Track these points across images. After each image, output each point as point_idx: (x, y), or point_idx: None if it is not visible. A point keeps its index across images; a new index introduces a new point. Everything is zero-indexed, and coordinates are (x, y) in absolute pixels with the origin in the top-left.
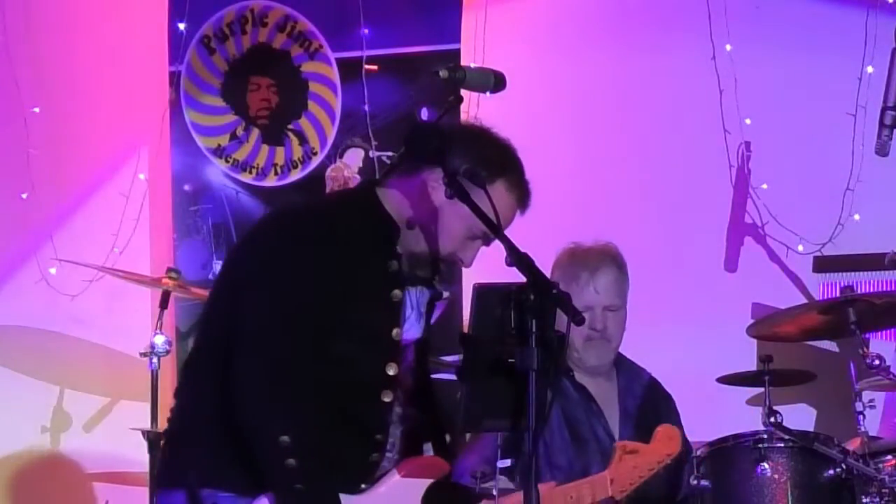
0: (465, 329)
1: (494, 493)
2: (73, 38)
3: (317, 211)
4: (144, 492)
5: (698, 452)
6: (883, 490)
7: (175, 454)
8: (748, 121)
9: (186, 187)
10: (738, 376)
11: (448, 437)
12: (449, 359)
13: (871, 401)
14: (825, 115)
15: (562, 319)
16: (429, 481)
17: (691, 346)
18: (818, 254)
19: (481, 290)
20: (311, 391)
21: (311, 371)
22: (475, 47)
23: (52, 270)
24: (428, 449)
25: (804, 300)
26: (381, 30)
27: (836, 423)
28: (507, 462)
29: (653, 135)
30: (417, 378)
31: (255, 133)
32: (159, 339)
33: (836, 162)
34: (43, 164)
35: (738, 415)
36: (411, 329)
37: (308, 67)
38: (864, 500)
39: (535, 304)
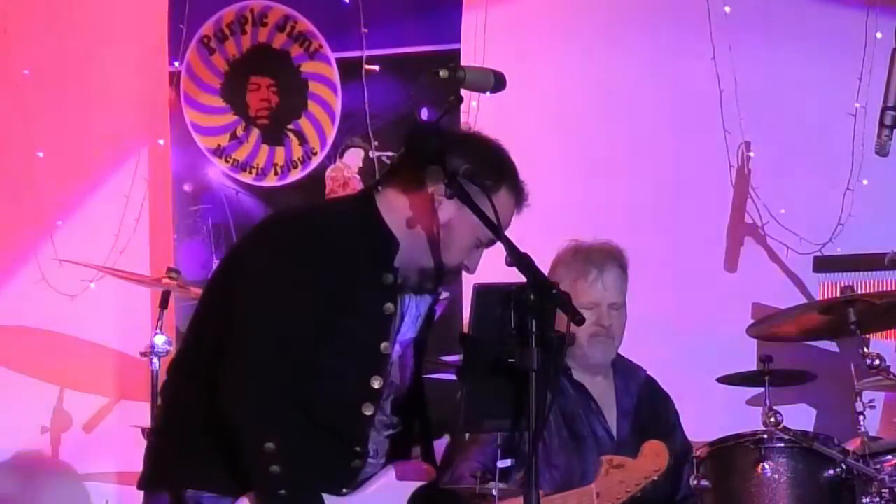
0: (465, 329)
1: (494, 493)
2: (73, 37)
3: (314, 220)
4: None
5: (698, 452)
6: (883, 490)
7: (160, 454)
8: (747, 121)
9: (186, 187)
10: (738, 376)
11: (435, 442)
12: (449, 359)
13: (871, 401)
14: (825, 115)
15: (560, 320)
16: (416, 484)
17: (691, 346)
18: (818, 254)
19: (481, 290)
20: (297, 400)
21: (298, 380)
22: (475, 47)
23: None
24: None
25: (804, 300)
26: (381, 30)
27: (836, 423)
28: (507, 462)
29: (653, 135)
30: (413, 381)
31: (255, 133)
32: (159, 339)
33: (836, 162)
34: (43, 163)
35: (738, 415)
36: (408, 331)
37: (308, 67)
38: (864, 500)
39: (535, 304)
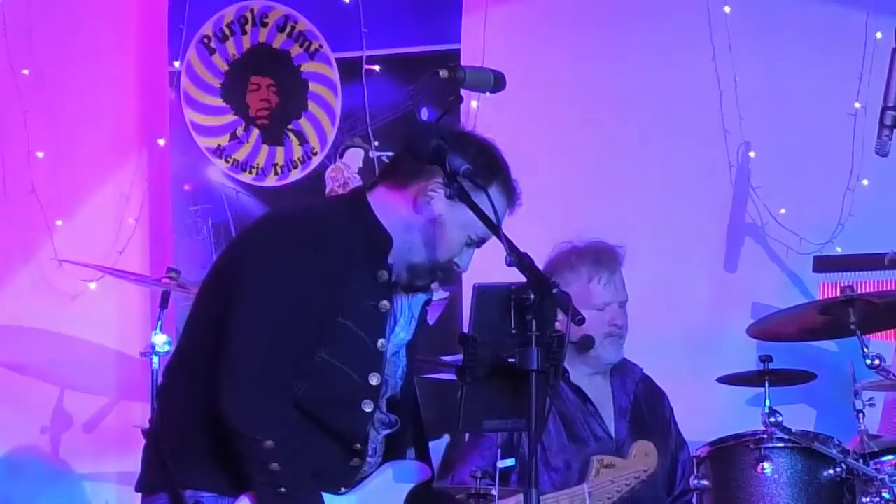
0: (465, 329)
1: (494, 493)
2: (73, 37)
3: (308, 218)
4: None
5: (698, 452)
6: (883, 490)
7: (158, 456)
8: (747, 121)
9: (186, 187)
10: (738, 376)
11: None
12: (449, 359)
13: (870, 400)
14: (825, 115)
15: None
16: (412, 484)
17: (691, 346)
18: (818, 254)
19: (481, 290)
20: (296, 398)
21: (296, 378)
22: (475, 47)
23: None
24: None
25: (804, 300)
26: (381, 30)
27: (836, 423)
28: (507, 463)
29: (653, 135)
30: (406, 382)
31: (255, 133)
32: (159, 339)
33: (836, 162)
34: (43, 163)
35: (738, 415)
36: (402, 332)
37: (308, 67)
38: (863, 500)
39: (535, 304)
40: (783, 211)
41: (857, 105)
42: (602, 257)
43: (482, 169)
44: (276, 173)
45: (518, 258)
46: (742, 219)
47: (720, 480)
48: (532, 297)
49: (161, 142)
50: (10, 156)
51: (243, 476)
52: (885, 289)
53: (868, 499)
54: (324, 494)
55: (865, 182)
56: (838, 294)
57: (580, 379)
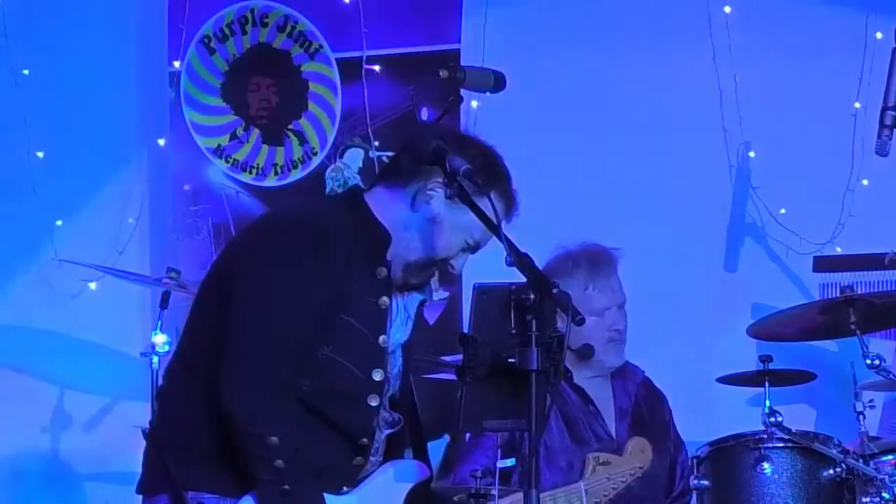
0: (465, 329)
1: (494, 493)
2: (73, 37)
3: (307, 217)
4: None
5: (698, 452)
6: (883, 490)
7: (158, 457)
8: (747, 121)
9: (186, 187)
10: (738, 376)
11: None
12: (449, 359)
13: (870, 400)
14: (825, 115)
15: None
16: (412, 484)
17: (691, 346)
18: (818, 254)
19: (481, 290)
20: (300, 395)
21: (300, 375)
22: (475, 47)
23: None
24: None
25: (804, 300)
26: (381, 30)
27: (836, 423)
28: (508, 463)
29: (653, 135)
30: (402, 382)
31: (255, 133)
32: (159, 339)
33: (836, 162)
34: (43, 163)
35: (738, 415)
36: (398, 332)
37: (308, 67)
38: (863, 500)
39: (535, 304)
40: (783, 211)
41: (857, 105)
42: (598, 261)
43: (483, 171)
44: (276, 173)
45: (518, 258)
46: (742, 219)
47: (720, 480)
48: (532, 297)
49: (161, 142)
50: (10, 156)
51: (247, 475)
52: (885, 289)
53: (868, 499)
54: (326, 495)
55: (865, 182)
56: (838, 294)
57: (582, 381)
